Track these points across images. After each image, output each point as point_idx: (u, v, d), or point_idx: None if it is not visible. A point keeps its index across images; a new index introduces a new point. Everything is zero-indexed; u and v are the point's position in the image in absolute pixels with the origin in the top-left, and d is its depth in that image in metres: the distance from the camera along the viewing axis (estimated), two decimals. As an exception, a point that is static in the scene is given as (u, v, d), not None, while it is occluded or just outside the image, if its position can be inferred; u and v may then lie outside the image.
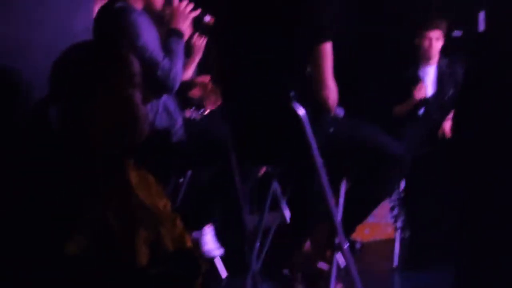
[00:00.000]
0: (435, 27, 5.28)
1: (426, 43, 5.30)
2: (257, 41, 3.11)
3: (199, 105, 4.13)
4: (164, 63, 3.30)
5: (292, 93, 2.98)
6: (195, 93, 4.07)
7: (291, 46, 3.06)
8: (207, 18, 3.74)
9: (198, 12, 3.58)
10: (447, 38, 5.39)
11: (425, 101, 5.22)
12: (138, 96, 1.98)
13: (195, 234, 3.78)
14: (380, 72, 5.64)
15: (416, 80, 5.31)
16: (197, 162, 3.66)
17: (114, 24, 3.29)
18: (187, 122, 3.61)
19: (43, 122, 2.00)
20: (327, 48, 3.05)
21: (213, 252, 3.89)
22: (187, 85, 3.72)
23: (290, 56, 3.08)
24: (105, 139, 1.95)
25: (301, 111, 2.96)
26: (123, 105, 1.96)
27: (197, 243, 3.78)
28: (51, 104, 1.99)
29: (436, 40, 5.29)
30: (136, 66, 2.00)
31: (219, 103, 4.04)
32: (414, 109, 5.24)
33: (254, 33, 3.12)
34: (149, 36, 3.32)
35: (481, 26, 5.53)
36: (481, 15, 5.56)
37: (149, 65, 3.23)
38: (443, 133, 5.03)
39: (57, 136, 1.97)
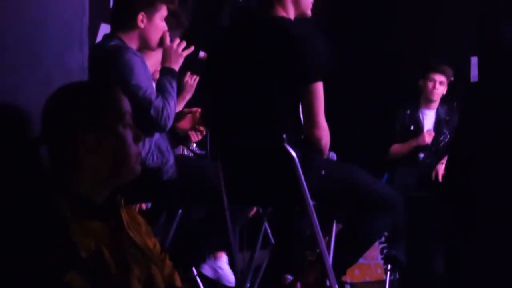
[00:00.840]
0: (441, 71, 5.34)
1: (430, 85, 5.36)
2: (249, 82, 3.13)
3: (188, 139, 4.12)
4: (157, 102, 3.30)
5: (284, 135, 2.95)
6: (184, 125, 4.06)
7: (283, 87, 3.07)
8: (202, 54, 3.76)
9: (191, 50, 3.57)
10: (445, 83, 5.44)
11: (426, 147, 5.24)
12: (129, 135, 1.95)
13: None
14: (376, 112, 5.67)
15: (414, 122, 5.34)
16: (188, 201, 3.63)
17: (109, 63, 3.30)
18: (179, 160, 3.58)
19: (34, 161, 1.99)
20: (318, 88, 3.05)
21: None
22: (176, 116, 3.70)
23: (282, 97, 3.09)
24: (96, 179, 1.92)
25: (293, 153, 2.94)
26: (114, 145, 1.93)
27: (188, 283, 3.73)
28: (42, 143, 1.97)
29: (440, 84, 5.36)
30: (126, 105, 1.99)
31: (203, 134, 4.03)
32: (412, 154, 5.26)
33: (246, 75, 3.14)
34: (142, 75, 3.33)
35: (474, 72, 5.59)
36: (473, 60, 5.62)
37: (142, 104, 3.23)
38: (436, 177, 5.04)
39: (48, 175, 1.94)
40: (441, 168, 5.02)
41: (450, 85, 5.50)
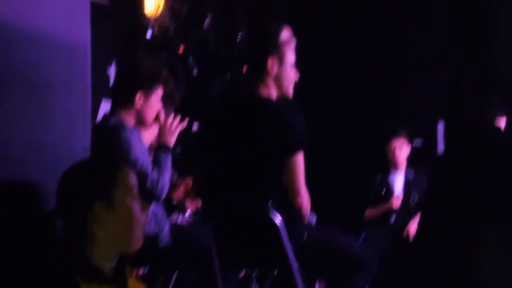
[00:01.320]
0: (398, 136, 5.58)
1: (392, 150, 5.57)
2: (236, 154, 3.32)
3: (182, 207, 4.28)
4: (153, 174, 3.48)
5: (269, 203, 3.16)
6: (178, 195, 4.24)
7: (268, 158, 3.25)
8: (196, 127, 3.91)
9: (185, 124, 3.76)
10: (411, 147, 5.64)
11: (396, 210, 5.44)
12: (137, 206, 2.09)
13: None
14: (352, 178, 5.84)
15: (384, 186, 5.54)
16: (182, 265, 3.79)
17: (108, 141, 3.48)
18: (173, 227, 3.76)
19: (51, 234, 2.14)
20: (299, 158, 3.22)
21: None
22: (170, 187, 3.88)
23: (266, 168, 3.27)
24: (105, 249, 2.04)
25: (277, 220, 3.15)
26: (123, 217, 2.06)
27: None
28: (57, 217, 2.09)
29: (399, 149, 5.57)
30: (133, 179, 2.11)
31: (199, 203, 4.18)
32: (385, 215, 5.44)
33: (233, 147, 3.33)
34: (139, 151, 3.52)
35: (440, 136, 5.78)
36: (440, 126, 5.82)
37: (139, 176, 3.39)
38: (407, 236, 5.21)
39: (62, 247, 2.06)
40: (412, 227, 5.20)
41: (417, 149, 5.71)
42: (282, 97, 3.38)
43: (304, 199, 3.25)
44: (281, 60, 3.32)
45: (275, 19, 3.47)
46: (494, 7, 5.60)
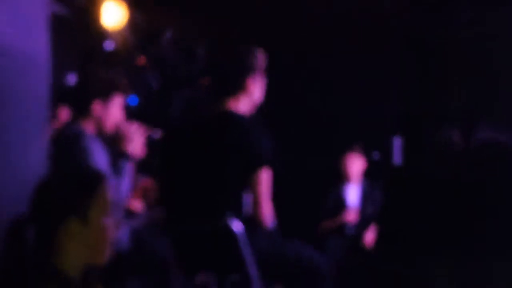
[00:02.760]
0: (352, 150, 5.62)
1: (344, 165, 5.60)
2: (199, 165, 3.34)
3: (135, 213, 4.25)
4: (112, 182, 3.45)
5: (228, 212, 3.16)
6: (135, 206, 4.22)
7: (232, 171, 3.28)
8: (156, 135, 3.91)
9: (146, 134, 3.74)
10: (367, 160, 5.70)
11: (350, 223, 5.47)
12: (110, 223, 2.08)
13: None
14: (308, 191, 5.88)
15: (340, 199, 5.58)
16: (139, 272, 3.76)
17: (69, 149, 3.47)
18: (132, 234, 3.73)
19: (20, 240, 2.05)
20: (264, 174, 3.27)
21: None
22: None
23: (230, 180, 3.29)
24: (75, 262, 2.03)
25: (237, 228, 3.16)
26: (96, 235, 2.04)
27: None
28: (29, 224, 2.04)
29: (353, 162, 5.61)
30: (109, 195, 2.10)
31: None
32: (340, 227, 5.48)
33: (198, 158, 3.35)
34: (98, 157, 3.51)
35: (396, 151, 5.86)
36: (397, 140, 5.90)
37: None
38: (364, 245, 5.25)
39: (32, 254, 2.03)
40: (368, 237, 5.24)
41: (374, 162, 5.77)
42: (250, 114, 3.44)
43: (267, 213, 3.29)
44: (256, 80, 3.40)
45: (249, 41, 3.53)
46: (448, 32, 5.69)
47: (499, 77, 5.25)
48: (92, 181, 2.09)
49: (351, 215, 5.46)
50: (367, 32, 6.10)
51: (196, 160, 3.35)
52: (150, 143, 4.02)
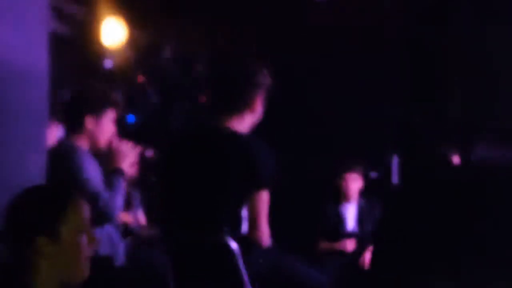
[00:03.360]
0: (352, 169, 5.60)
1: (345, 184, 5.59)
2: (197, 182, 3.32)
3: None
4: (104, 195, 3.46)
5: (226, 228, 3.14)
6: (129, 220, 4.20)
7: (231, 190, 3.26)
8: (149, 153, 3.91)
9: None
10: (365, 179, 5.68)
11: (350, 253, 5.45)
12: (84, 240, 2.01)
13: None
14: (305, 208, 5.85)
15: (338, 217, 5.56)
16: (133, 286, 3.74)
17: (61, 163, 3.46)
18: (130, 249, 3.72)
19: None
20: (265, 195, 3.24)
21: None
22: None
23: (228, 199, 3.28)
24: (49, 282, 1.97)
25: (233, 245, 3.15)
26: (69, 254, 1.99)
27: None
28: (1, 241, 2.01)
29: (353, 181, 5.60)
30: (85, 211, 2.04)
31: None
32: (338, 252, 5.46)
33: (196, 175, 3.32)
34: (91, 172, 3.53)
35: (394, 169, 5.85)
36: (395, 159, 5.89)
37: (91, 196, 3.37)
38: (363, 265, 5.22)
39: (3, 270, 2.00)
40: (367, 256, 5.21)
41: (373, 180, 5.75)
42: (251, 133, 3.41)
43: (264, 234, 3.27)
44: (261, 99, 3.35)
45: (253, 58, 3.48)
46: (446, 45, 5.70)
47: (499, 80, 5.23)
48: (61, 198, 2.03)
49: (349, 246, 5.44)
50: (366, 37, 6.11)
51: (196, 176, 3.32)
52: (143, 161, 4.02)
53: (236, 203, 3.29)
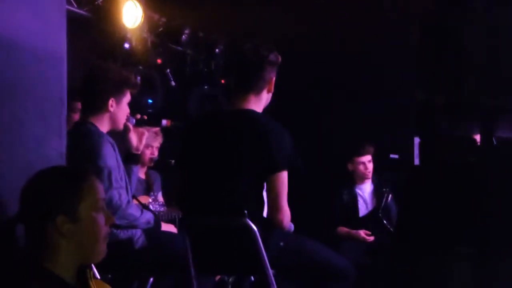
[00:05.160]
0: (366, 153, 5.62)
1: (361, 167, 5.63)
2: (218, 165, 3.30)
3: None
4: (112, 192, 3.46)
5: (246, 211, 3.09)
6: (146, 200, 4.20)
7: (250, 172, 3.24)
8: (164, 122, 3.95)
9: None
10: (385, 159, 5.65)
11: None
12: (101, 218, 2.03)
13: None
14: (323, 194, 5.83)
15: (353, 197, 5.51)
16: (158, 270, 3.73)
17: (79, 146, 3.46)
18: (149, 231, 3.69)
19: (10, 239, 2.03)
20: (284, 176, 3.23)
21: None
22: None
23: (248, 180, 3.25)
24: (68, 260, 1.98)
25: (254, 228, 3.12)
26: (87, 230, 2.00)
27: None
28: (19, 222, 2.02)
29: (368, 163, 5.64)
30: (100, 191, 2.06)
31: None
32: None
33: (216, 158, 3.31)
34: (109, 158, 3.51)
35: (416, 151, 5.83)
36: (416, 140, 5.87)
37: (104, 183, 3.38)
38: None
39: (23, 252, 2.00)
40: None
41: (391, 161, 5.73)
42: (269, 115, 3.41)
43: (285, 215, 3.26)
44: (268, 81, 3.38)
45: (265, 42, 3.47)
46: (466, 26, 5.62)
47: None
48: (77, 177, 2.04)
49: (370, 238, 5.43)
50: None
51: (216, 158, 3.31)
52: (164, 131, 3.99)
53: (255, 185, 3.27)
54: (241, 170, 3.24)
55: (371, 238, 5.40)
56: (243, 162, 3.23)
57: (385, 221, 5.32)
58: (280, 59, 3.43)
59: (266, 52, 3.37)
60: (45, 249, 1.97)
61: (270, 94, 3.45)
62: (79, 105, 4.01)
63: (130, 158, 3.82)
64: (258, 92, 3.37)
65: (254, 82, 3.36)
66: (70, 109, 3.83)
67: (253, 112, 3.35)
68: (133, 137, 3.80)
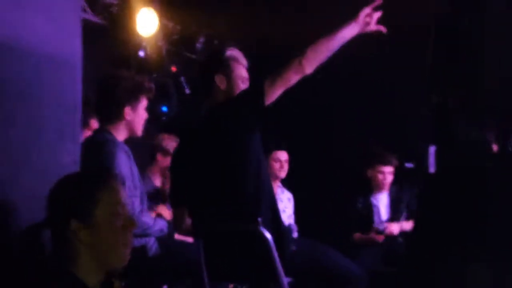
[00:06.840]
0: (390, 164, 5.53)
1: (380, 176, 5.57)
2: (228, 171, 3.27)
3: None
4: (130, 193, 3.43)
5: (259, 219, 3.06)
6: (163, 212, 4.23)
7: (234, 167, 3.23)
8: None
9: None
10: (399, 168, 5.60)
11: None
12: (120, 224, 2.00)
13: None
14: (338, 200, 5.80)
15: (368, 206, 5.49)
16: (172, 277, 3.71)
17: (95, 154, 3.46)
18: (162, 239, 3.67)
19: (36, 244, 2.04)
20: None
21: None
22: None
23: (259, 186, 3.23)
24: (90, 265, 1.97)
25: (267, 235, 3.07)
26: (106, 237, 1.98)
27: None
28: (45, 228, 2.02)
29: (389, 174, 5.54)
30: (121, 195, 2.04)
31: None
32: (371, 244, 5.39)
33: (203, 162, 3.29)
34: (123, 167, 3.50)
35: (431, 159, 5.76)
36: (431, 149, 5.80)
37: None
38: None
39: (49, 258, 2.01)
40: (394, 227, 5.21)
41: (406, 170, 5.69)
42: None
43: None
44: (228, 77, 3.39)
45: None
46: (481, 30, 5.57)
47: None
48: (94, 182, 2.03)
49: (379, 238, 5.38)
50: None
51: (203, 163, 3.30)
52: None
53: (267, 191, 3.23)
54: (252, 177, 3.21)
55: (382, 237, 5.35)
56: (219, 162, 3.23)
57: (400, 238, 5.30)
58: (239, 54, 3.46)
59: (212, 54, 3.50)
60: (67, 253, 1.96)
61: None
62: (92, 122, 4.02)
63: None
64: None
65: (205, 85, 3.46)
66: (84, 123, 3.83)
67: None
68: None
